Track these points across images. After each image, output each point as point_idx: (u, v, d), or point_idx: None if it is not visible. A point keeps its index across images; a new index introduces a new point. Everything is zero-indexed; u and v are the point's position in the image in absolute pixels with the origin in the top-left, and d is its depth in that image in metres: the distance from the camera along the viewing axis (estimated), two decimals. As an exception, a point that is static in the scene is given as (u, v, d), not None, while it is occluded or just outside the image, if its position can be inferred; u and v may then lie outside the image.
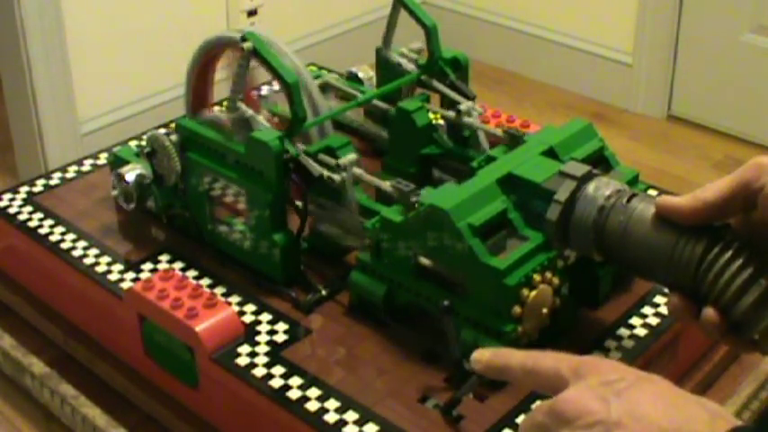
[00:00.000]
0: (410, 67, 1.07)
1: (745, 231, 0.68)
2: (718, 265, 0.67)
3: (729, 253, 0.67)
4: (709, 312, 0.66)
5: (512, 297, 0.77)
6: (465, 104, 1.01)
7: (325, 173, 0.90)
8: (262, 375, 0.81)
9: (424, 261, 0.82)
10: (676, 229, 0.69)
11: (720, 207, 0.66)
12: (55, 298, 1.00)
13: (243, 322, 0.86)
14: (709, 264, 0.67)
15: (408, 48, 1.08)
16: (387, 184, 0.86)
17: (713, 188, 0.66)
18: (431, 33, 1.04)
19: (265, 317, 0.88)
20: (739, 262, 0.66)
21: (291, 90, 0.90)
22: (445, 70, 1.05)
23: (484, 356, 0.66)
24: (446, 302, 0.78)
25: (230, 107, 0.95)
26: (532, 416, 0.59)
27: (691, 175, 1.94)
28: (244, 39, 0.92)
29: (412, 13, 1.05)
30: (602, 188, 0.76)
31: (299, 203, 0.90)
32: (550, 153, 0.86)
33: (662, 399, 0.56)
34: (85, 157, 1.15)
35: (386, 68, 1.09)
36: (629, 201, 0.74)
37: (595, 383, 0.57)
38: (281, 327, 0.87)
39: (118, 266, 0.95)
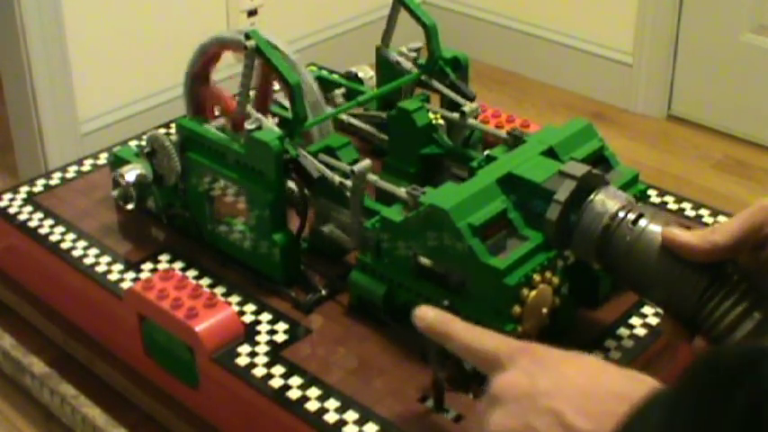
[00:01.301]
0: (408, 66, 1.07)
1: (751, 266, 0.68)
2: (716, 297, 0.67)
3: (728, 286, 0.67)
4: (700, 344, 0.69)
5: (512, 297, 0.77)
6: (469, 106, 1.01)
7: (337, 178, 0.89)
8: (262, 375, 0.81)
9: (424, 261, 0.82)
10: (681, 261, 0.69)
11: (730, 249, 0.67)
12: (55, 298, 1.00)
13: (243, 322, 0.86)
14: (709, 297, 0.68)
15: (407, 47, 1.08)
16: (402, 191, 0.85)
17: (723, 231, 0.67)
18: (431, 33, 1.04)
19: (265, 317, 0.88)
20: (736, 296, 0.67)
21: (293, 90, 0.90)
22: (445, 70, 1.05)
23: (428, 315, 0.69)
24: (446, 302, 0.78)
25: (237, 107, 0.95)
26: (478, 407, 0.62)
27: (690, 175, 1.94)
28: (247, 37, 0.92)
29: (412, 12, 1.05)
30: (608, 203, 0.75)
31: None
32: (550, 153, 0.86)
33: (586, 367, 0.59)
34: (85, 157, 1.15)
35: (386, 68, 1.09)
36: (635, 222, 0.73)
37: (525, 364, 0.61)
38: (281, 327, 0.87)
39: (118, 266, 0.95)
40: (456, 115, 1.01)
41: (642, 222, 0.73)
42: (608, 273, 0.78)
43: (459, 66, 1.06)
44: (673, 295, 0.70)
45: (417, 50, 1.08)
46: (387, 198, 0.89)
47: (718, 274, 0.68)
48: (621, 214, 0.74)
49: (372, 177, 0.90)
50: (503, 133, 0.94)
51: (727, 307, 0.67)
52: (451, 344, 0.67)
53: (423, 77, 1.06)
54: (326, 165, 0.91)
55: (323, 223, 0.94)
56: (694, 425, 0.50)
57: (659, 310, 0.87)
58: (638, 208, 0.75)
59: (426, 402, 0.79)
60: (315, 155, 0.91)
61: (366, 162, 0.90)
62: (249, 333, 0.86)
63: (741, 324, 0.66)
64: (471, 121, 1.00)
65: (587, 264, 0.80)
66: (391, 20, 1.07)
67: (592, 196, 0.76)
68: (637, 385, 0.56)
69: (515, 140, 0.90)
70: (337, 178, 0.89)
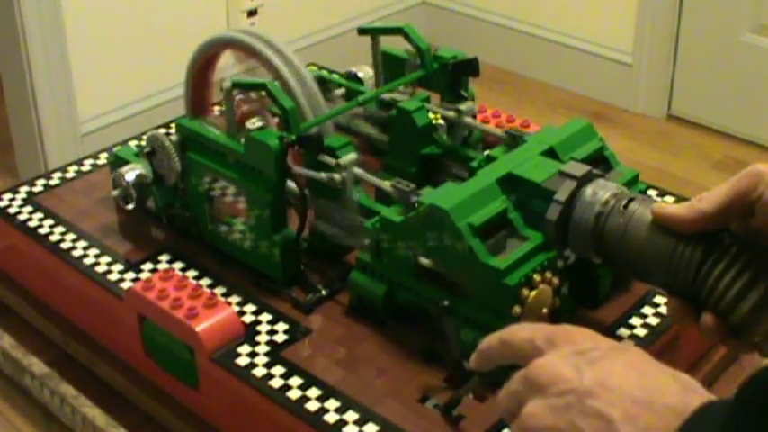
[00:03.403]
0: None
1: (744, 236, 0.68)
2: (716, 269, 0.67)
3: (728, 257, 0.67)
4: (708, 318, 0.67)
5: (512, 297, 0.77)
6: (466, 104, 1.01)
7: (324, 174, 0.90)
8: (262, 375, 0.81)
9: (424, 261, 0.82)
10: (674, 235, 0.69)
11: (718, 217, 0.66)
12: (55, 298, 1.00)
13: (243, 322, 0.86)
14: (708, 268, 0.67)
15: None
16: (386, 184, 0.86)
17: (710, 198, 0.66)
18: (407, 35, 1.04)
19: (265, 317, 0.88)
20: (738, 266, 0.66)
21: (288, 114, 0.90)
22: (445, 70, 1.05)
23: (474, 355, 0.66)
24: (446, 302, 0.78)
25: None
26: (508, 385, 0.58)
27: (691, 175, 1.94)
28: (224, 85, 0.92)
29: (379, 33, 1.05)
30: (599, 192, 0.76)
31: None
32: (550, 153, 0.86)
33: (634, 369, 0.55)
34: (85, 157, 1.15)
35: (387, 65, 1.09)
36: (626, 205, 0.74)
37: (569, 352, 0.57)
38: (281, 327, 0.87)
39: (118, 266, 0.95)
40: (453, 113, 1.01)
41: (633, 206, 0.73)
42: (607, 264, 0.78)
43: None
44: (671, 273, 0.69)
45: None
46: (387, 198, 0.89)
47: (714, 245, 0.68)
48: (612, 201, 0.75)
49: (358, 171, 0.90)
50: (501, 132, 0.94)
51: (729, 279, 0.66)
52: (491, 352, 0.63)
53: (422, 77, 1.06)
54: (324, 164, 0.91)
55: (322, 222, 0.94)
56: None
57: (660, 311, 0.88)
58: (628, 194, 0.75)
59: (426, 402, 0.79)
60: (315, 155, 0.91)
61: (352, 155, 0.90)
62: (249, 333, 0.86)
63: (747, 294, 0.65)
64: (468, 119, 1.00)
65: (588, 261, 0.80)
66: (375, 56, 1.07)
67: (582, 189, 0.77)
68: (691, 398, 0.53)
69: (513, 140, 0.90)
70: (323, 174, 0.89)
